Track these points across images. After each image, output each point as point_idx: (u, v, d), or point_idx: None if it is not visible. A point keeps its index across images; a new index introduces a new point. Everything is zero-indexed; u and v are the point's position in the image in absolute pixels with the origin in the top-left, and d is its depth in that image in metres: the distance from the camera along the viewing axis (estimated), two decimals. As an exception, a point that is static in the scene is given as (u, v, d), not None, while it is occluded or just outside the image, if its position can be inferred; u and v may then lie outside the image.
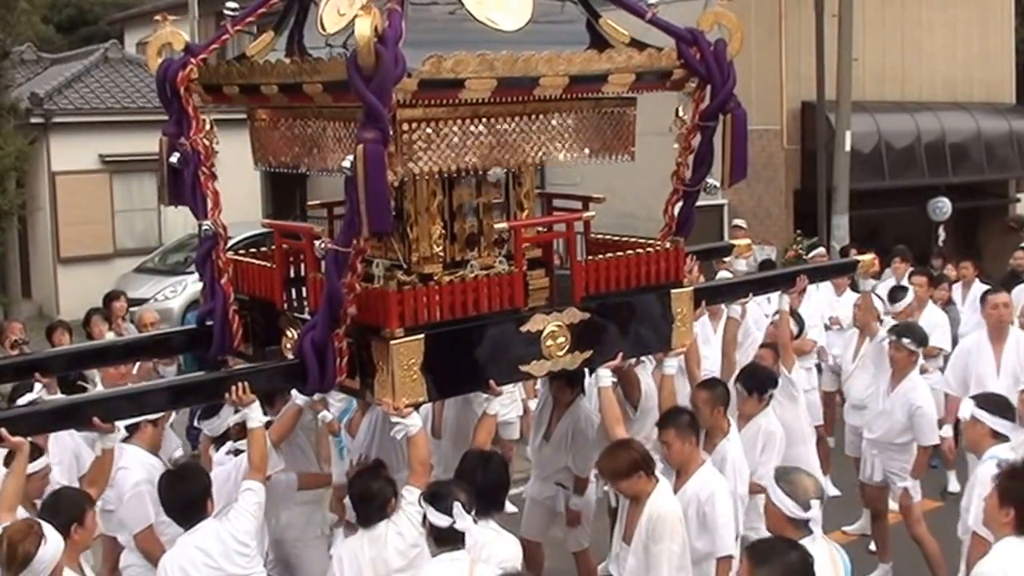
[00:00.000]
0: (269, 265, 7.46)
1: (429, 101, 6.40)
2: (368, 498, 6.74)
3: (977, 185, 28.24)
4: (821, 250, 19.01)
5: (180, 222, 25.42)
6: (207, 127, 7.13)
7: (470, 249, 7.29)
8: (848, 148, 23.04)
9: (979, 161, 27.54)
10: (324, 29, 6.95)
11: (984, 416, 7.51)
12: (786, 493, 5.90)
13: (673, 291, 7.69)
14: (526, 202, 7.60)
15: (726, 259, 13.10)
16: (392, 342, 6.40)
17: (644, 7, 7.39)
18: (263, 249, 8.34)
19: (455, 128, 6.60)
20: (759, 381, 8.73)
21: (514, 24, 6.93)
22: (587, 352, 7.27)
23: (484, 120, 6.71)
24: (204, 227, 7.14)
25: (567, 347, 7.11)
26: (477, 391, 7.18)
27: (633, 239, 8.07)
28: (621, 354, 7.53)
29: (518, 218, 7.50)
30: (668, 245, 7.74)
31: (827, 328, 13.79)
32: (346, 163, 5.96)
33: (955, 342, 13.72)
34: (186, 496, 6.72)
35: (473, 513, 6.20)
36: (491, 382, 6.96)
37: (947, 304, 14.30)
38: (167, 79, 7.09)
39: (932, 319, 12.76)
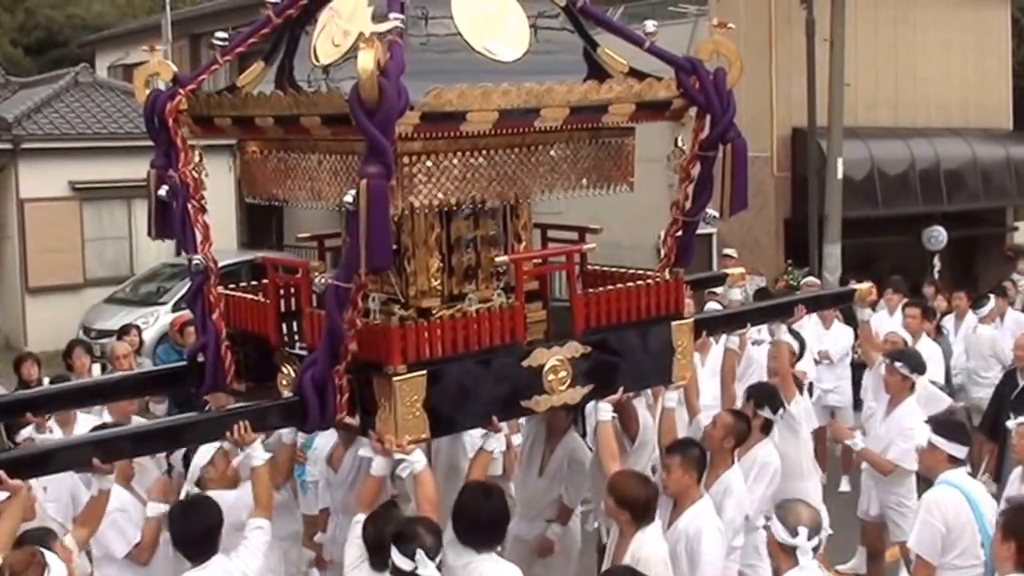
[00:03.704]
0: (262, 299, 7.53)
1: (429, 134, 6.47)
2: (384, 545, 6.67)
3: (973, 213, 28.41)
4: (813, 279, 19.14)
5: (152, 251, 25.43)
6: (196, 159, 7.19)
7: (468, 282, 7.37)
8: (840, 175, 23.20)
9: (975, 189, 27.74)
10: (317, 60, 7.02)
11: (941, 442, 7.75)
12: (778, 518, 6.09)
13: (674, 323, 7.79)
14: (523, 234, 7.69)
15: (716, 290, 13.23)
16: (395, 379, 6.47)
17: (642, 36, 7.49)
18: (247, 282, 8.39)
19: (455, 161, 6.69)
20: (759, 394, 8.89)
21: (512, 55, 7.03)
22: (588, 386, 7.37)
23: (484, 152, 6.81)
24: (195, 261, 7.19)
25: (568, 382, 7.20)
26: (479, 427, 7.23)
27: (630, 270, 8.18)
28: (622, 388, 7.64)
29: (516, 250, 7.58)
30: (668, 276, 7.83)
31: (817, 363, 13.89)
32: (348, 198, 6.04)
33: (947, 375, 13.89)
34: (198, 530, 6.76)
35: (440, 557, 6.23)
36: (493, 419, 7.03)
37: (937, 336, 14.41)
38: (155, 110, 7.09)
39: (926, 351, 12.82)
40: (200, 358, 7.51)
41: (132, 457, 7.40)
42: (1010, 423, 9.04)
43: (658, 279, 7.81)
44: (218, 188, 7.62)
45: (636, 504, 7.16)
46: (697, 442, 7.97)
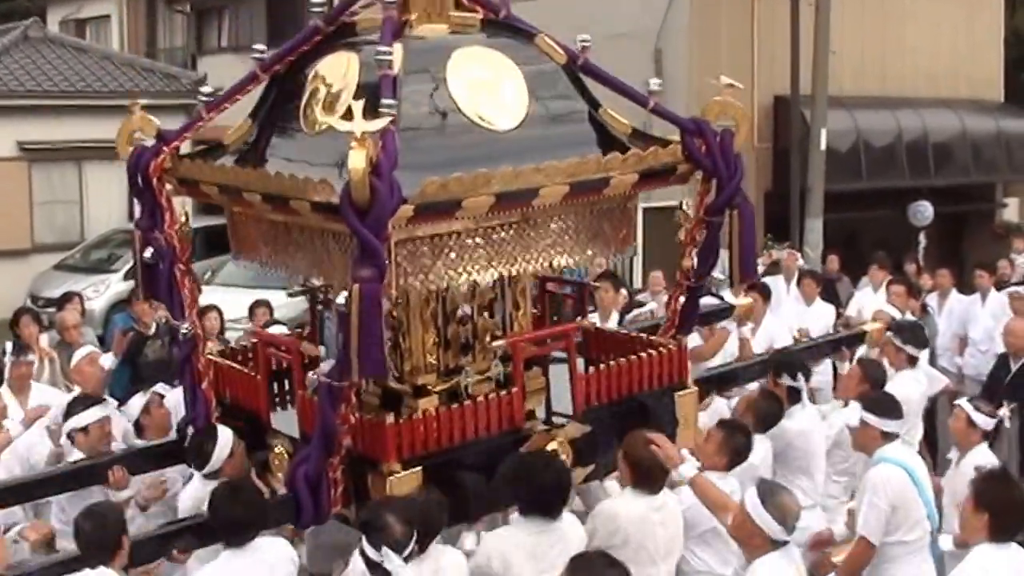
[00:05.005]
0: (253, 374, 7.59)
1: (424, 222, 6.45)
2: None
3: (962, 188, 28.32)
4: (793, 252, 19.13)
5: (103, 216, 25.36)
6: (182, 219, 7.24)
7: (464, 355, 7.41)
8: (823, 146, 23.19)
9: (964, 162, 27.70)
10: (305, 125, 7.01)
11: (873, 419, 7.88)
12: (774, 518, 6.05)
13: (678, 394, 7.82)
14: (521, 301, 7.73)
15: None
16: (390, 478, 6.52)
17: (646, 96, 7.47)
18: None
19: (451, 243, 6.68)
20: (778, 362, 9.10)
21: (510, 123, 6.98)
22: (589, 466, 7.40)
23: (482, 232, 6.78)
24: (183, 329, 7.22)
25: (569, 463, 7.17)
26: (480, 518, 7.22)
27: (633, 335, 8.22)
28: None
29: (514, 317, 7.64)
30: (671, 345, 7.86)
31: (796, 341, 13.85)
32: (340, 299, 6.06)
33: (932, 355, 13.97)
34: (241, 517, 6.56)
35: (411, 549, 6.11)
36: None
37: (923, 315, 14.47)
38: (139, 169, 7.14)
39: (911, 331, 12.93)
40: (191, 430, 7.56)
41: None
42: (1002, 410, 9.11)
43: (662, 349, 7.82)
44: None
45: (639, 463, 7.10)
46: (747, 434, 7.89)
